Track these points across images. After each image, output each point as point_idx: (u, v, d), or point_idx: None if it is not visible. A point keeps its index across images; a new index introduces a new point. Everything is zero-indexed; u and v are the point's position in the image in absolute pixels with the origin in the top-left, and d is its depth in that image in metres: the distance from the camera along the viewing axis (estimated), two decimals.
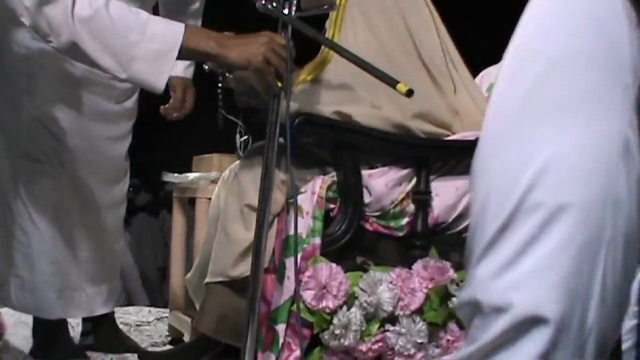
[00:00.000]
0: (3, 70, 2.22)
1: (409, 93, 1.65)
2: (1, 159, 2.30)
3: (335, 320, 1.77)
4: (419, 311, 1.83)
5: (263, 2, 1.70)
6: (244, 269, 1.80)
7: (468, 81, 2.10)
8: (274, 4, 1.71)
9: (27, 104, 2.24)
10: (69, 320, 2.54)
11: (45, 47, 1.76)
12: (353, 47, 1.89)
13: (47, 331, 2.41)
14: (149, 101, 1.73)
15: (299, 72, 2.06)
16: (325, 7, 1.83)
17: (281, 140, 1.72)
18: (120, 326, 2.72)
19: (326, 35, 2.01)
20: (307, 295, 1.76)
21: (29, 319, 2.49)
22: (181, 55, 1.69)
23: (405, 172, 1.96)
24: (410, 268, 1.87)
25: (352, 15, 2.01)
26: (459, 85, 2.07)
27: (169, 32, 1.68)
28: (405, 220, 1.95)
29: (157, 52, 1.66)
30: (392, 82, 1.68)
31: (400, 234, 1.95)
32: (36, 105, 2.25)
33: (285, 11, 1.72)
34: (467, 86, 2.08)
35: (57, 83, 2.24)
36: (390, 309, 1.80)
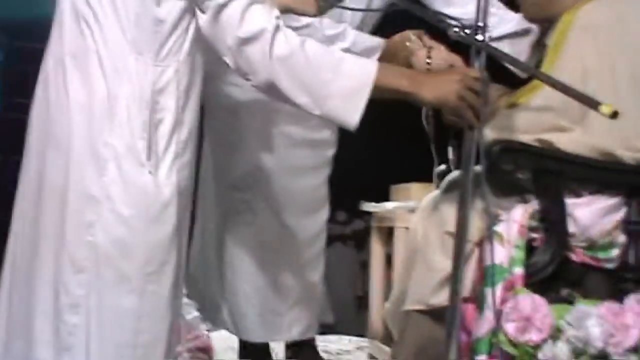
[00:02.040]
0: (209, 107, 2.37)
1: (614, 115, 1.58)
2: (208, 188, 2.45)
3: (540, 355, 1.73)
4: (634, 350, 1.73)
5: (455, 30, 1.70)
6: (444, 297, 1.78)
7: None
8: (467, 31, 1.70)
9: (229, 135, 2.38)
10: (273, 346, 2.63)
11: (244, 83, 1.84)
12: (572, 73, 1.84)
13: (252, 356, 2.51)
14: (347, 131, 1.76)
15: (511, 94, 2.03)
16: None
17: (480, 168, 1.70)
18: (322, 354, 2.78)
19: (545, 60, 1.95)
20: (509, 327, 1.73)
21: (236, 345, 2.61)
22: (373, 92, 1.70)
23: (614, 200, 1.88)
24: (621, 303, 1.79)
25: (579, 41, 1.93)
26: None
27: (362, 69, 1.70)
28: (615, 252, 1.87)
29: (351, 89, 1.68)
30: (593, 104, 1.61)
31: (610, 266, 1.87)
32: (239, 135, 2.38)
33: (479, 37, 1.70)
34: None
35: (258, 114, 2.36)
36: (601, 345, 1.72)
